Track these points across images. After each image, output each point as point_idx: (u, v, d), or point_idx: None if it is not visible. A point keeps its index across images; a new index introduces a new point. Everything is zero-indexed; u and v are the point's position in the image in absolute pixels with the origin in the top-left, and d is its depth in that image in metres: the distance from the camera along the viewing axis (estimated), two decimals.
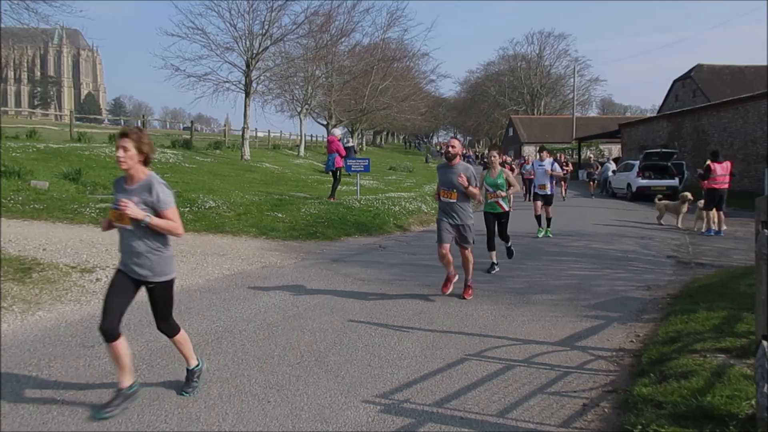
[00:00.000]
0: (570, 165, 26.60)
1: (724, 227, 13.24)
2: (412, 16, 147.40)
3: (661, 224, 14.78)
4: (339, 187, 16.01)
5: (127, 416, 3.71)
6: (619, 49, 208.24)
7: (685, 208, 14.31)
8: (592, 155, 32.50)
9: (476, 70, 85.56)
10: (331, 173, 15.97)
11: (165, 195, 3.79)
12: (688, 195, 14.39)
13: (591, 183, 26.49)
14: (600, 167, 28.82)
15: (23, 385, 4.15)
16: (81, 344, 5.04)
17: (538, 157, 13.17)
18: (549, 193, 12.63)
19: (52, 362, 4.60)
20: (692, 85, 42.24)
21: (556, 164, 12.94)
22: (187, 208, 11.92)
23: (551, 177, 12.69)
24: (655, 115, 44.83)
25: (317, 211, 13.10)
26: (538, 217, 12.62)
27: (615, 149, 44.22)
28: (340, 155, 15.24)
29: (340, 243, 10.93)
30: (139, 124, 31.96)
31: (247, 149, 27.31)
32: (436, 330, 5.66)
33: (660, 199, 15.73)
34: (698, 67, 42.90)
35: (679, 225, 14.25)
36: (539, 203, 12.58)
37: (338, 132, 17.95)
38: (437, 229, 6.78)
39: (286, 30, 27.86)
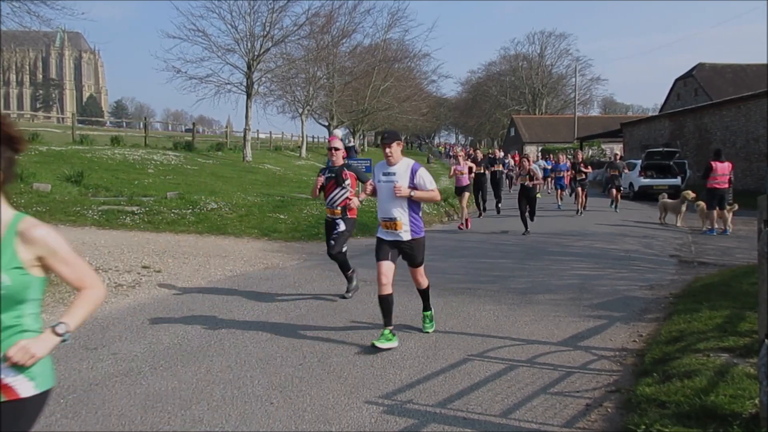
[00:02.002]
0: (589, 167, 19.46)
1: (731, 226, 13.21)
2: (413, 16, 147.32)
3: (664, 223, 14.72)
4: None
5: (130, 417, 3.72)
6: (621, 49, 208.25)
7: (684, 207, 14.27)
8: (618, 152, 22.21)
9: (477, 70, 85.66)
10: None
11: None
12: (690, 194, 14.32)
13: (615, 192, 17.89)
14: (627, 169, 20.50)
15: None
16: (84, 346, 5.05)
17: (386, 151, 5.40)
18: (407, 237, 5.29)
19: (55, 364, 4.58)
20: (694, 84, 42.16)
21: (421, 172, 5.29)
22: (189, 210, 11.94)
23: (410, 204, 5.26)
24: (656, 114, 44.76)
25: (319, 212, 13.09)
26: (383, 302, 5.23)
27: (617, 148, 44.16)
28: None
29: None
30: (141, 126, 31.98)
31: (248, 151, 27.34)
32: (439, 330, 5.65)
33: (663, 198, 15.63)
34: (700, 66, 42.81)
35: (678, 224, 14.22)
36: (387, 268, 5.24)
37: (339, 133, 17.97)
38: None
39: (287, 31, 27.96)
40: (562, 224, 14.71)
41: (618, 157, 20.03)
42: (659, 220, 14.97)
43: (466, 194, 13.84)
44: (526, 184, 13.17)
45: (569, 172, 19.70)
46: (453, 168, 13.92)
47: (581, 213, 16.90)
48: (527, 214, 13.04)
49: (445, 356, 4.92)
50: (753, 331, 4.69)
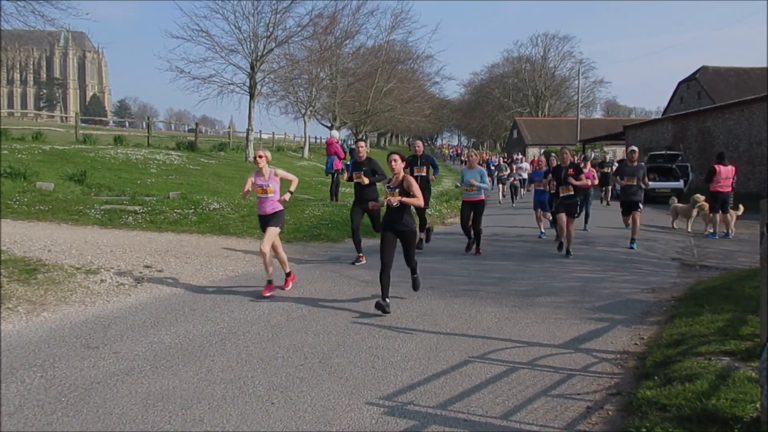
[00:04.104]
0: (584, 177, 10.63)
1: (733, 230, 13.18)
2: (417, 18, 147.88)
3: (676, 228, 14.48)
4: (342, 189, 16.03)
5: (131, 416, 3.73)
6: (624, 51, 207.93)
7: (695, 212, 14.16)
8: (635, 147, 12.23)
9: (480, 72, 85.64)
10: (330, 175, 15.97)
11: None
12: (701, 199, 14.05)
13: (632, 217, 11.13)
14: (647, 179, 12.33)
15: (28, 386, 4.16)
16: (85, 345, 5.06)
17: None
18: None
19: (57, 363, 4.62)
20: (697, 86, 42.06)
21: None
22: (192, 210, 11.96)
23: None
24: (659, 117, 44.70)
25: (321, 212, 13.10)
26: None
27: (619, 151, 44.14)
28: (338, 157, 15.26)
29: (344, 244, 10.93)
30: (144, 125, 32.06)
31: (251, 151, 27.32)
32: (440, 332, 5.65)
33: (674, 202, 15.41)
34: (703, 69, 42.70)
35: (688, 229, 14.11)
36: None
37: (337, 134, 17.96)
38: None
39: (290, 32, 27.95)
40: None
41: (635, 156, 11.66)
42: (672, 225, 14.69)
43: (272, 231, 7.11)
44: (390, 201, 6.50)
45: (549, 182, 10.66)
46: (249, 180, 7.25)
47: (568, 253, 10.01)
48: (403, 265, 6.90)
49: (446, 358, 4.92)
50: (755, 335, 4.69)
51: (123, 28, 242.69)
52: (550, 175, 10.53)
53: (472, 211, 10.29)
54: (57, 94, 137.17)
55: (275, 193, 7.21)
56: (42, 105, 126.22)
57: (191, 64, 36.11)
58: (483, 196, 10.46)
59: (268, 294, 6.95)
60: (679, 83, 45.03)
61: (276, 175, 7.25)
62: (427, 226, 10.72)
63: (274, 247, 7.20)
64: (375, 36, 50.13)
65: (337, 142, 16.01)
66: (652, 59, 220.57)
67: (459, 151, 66.46)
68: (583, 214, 13.54)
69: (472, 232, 10.33)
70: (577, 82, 59.67)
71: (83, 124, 35.53)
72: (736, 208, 13.34)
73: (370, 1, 61.32)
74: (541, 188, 12.31)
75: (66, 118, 64.06)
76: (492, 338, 5.48)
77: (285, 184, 7.41)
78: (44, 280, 6.81)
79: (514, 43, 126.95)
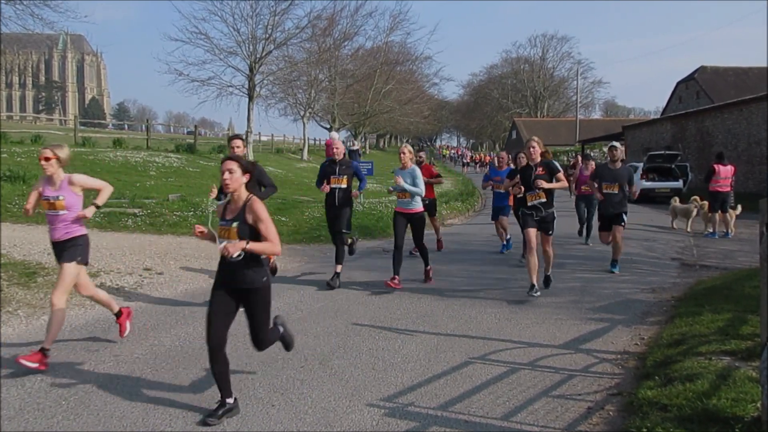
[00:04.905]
0: (558, 180, 7.36)
1: (733, 230, 13.18)
2: (415, 19, 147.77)
3: (674, 228, 14.48)
4: None
5: (131, 419, 3.72)
6: (623, 51, 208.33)
7: (694, 212, 14.16)
8: (618, 145, 8.84)
9: (479, 73, 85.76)
10: None
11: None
12: (698, 200, 14.06)
13: (612, 234, 8.81)
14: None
15: (28, 389, 4.16)
16: (85, 348, 5.06)
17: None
18: None
19: (57, 366, 4.62)
20: (695, 86, 42.12)
21: None
22: (191, 212, 11.96)
23: None
24: (658, 117, 44.74)
25: (320, 214, 13.08)
26: None
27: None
28: None
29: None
30: (143, 128, 32.07)
31: (250, 153, 27.34)
32: (440, 333, 5.65)
33: (675, 201, 15.37)
34: (702, 69, 42.76)
35: (688, 228, 14.11)
36: None
37: (336, 135, 17.99)
38: None
39: (289, 34, 27.93)
40: (563, 227, 14.67)
41: (616, 154, 8.85)
42: (671, 225, 14.69)
43: (66, 271, 4.82)
44: (226, 251, 3.95)
45: (515, 187, 7.57)
46: (34, 191, 5.01)
47: (536, 290, 7.04)
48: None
49: (446, 359, 4.92)
50: (755, 335, 4.69)
51: (121, 30, 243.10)
52: (517, 176, 7.54)
53: (410, 225, 7.76)
54: (56, 98, 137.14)
55: (71, 210, 4.85)
56: (41, 108, 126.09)
57: (190, 66, 35.98)
58: (421, 207, 7.73)
59: (32, 364, 4.42)
60: (678, 83, 45.10)
61: (72, 183, 4.87)
62: (354, 238, 8.62)
63: (82, 290, 5.08)
64: (374, 37, 50.29)
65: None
66: (651, 59, 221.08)
67: (459, 153, 66.26)
68: (582, 224, 12.40)
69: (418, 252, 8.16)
70: (575, 82, 59.81)
71: (82, 127, 35.55)
72: (735, 208, 13.36)
73: (368, 1, 61.57)
74: (501, 191, 9.80)
75: (65, 121, 64.13)
76: (492, 339, 5.48)
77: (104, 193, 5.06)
78: (44, 283, 6.81)
79: (513, 44, 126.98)
